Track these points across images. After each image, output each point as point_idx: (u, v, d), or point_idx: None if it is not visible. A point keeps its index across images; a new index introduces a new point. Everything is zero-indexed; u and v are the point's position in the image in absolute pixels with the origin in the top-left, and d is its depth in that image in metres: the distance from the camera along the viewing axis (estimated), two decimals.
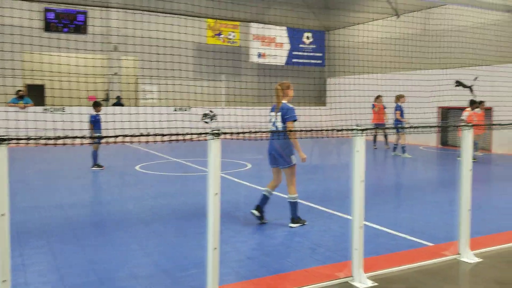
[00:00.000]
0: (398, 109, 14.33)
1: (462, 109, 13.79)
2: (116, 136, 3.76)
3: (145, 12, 15.81)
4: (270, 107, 6.52)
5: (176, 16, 13.71)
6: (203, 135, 3.93)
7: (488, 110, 15.05)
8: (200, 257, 4.40)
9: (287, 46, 22.83)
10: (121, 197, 8.55)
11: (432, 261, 5.00)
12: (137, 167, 11.79)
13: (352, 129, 4.47)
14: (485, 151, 15.55)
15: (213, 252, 3.91)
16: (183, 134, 3.91)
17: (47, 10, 18.89)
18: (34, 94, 18.59)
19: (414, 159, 14.03)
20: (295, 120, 6.23)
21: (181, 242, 5.75)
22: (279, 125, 6.28)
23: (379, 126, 14.81)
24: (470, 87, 16.53)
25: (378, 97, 15.90)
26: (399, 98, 14.32)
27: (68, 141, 3.55)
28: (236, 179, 10.02)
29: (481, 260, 5.06)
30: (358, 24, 21.10)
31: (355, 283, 4.39)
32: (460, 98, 14.98)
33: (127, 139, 3.77)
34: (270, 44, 22.34)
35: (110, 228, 6.38)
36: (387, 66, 14.27)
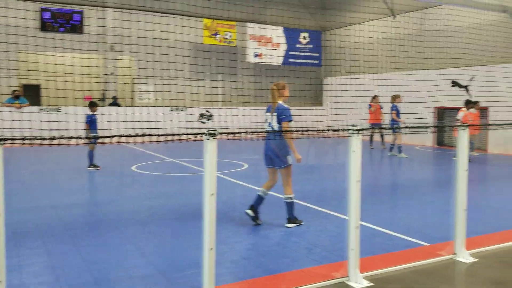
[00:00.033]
0: (394, 109, 14.37)
1: (458, 109, 13.83)
2: (112, 136, 3.75)
3: (141, 12, 15.79)
4: (266, 107, 6.51)
5: (173, 16, 13.69)
6: (199, 135, 3.93)
7: (484, 110, 15.10)
8: (196, 257, 4.39)
9: (283, 46, 22.83)
10: (117, 198, 8.54)
11: (428, 261, 5.01)
12: (133, 167, 11.77)
13: (348, 129, 4.47)
14: (481, 151, 15.59)
15: (209, 252, 3.90)
16: (179, 134, 3.90)
17: (43, 10, 18.82)
18: (30, 94, 18.52)
19: (410, 159, 14.06)
20: (290, 121, 6.23)
21: (177, 243, 5.75)
22: (275, 125, 6.27)
23: (375, 126, 14.84)
24: (466, 87, 16.58)
25: (374, 97, 15.93)
26: (395, 98, 14.35)
27: (64, 141, 3.53)
28: (232, 179, 10.01)
29: (477, 260, 5.08)
30: (355, 24, 21.12)
31: (351, 283, 4.39)
32: (456, 98, 15.02)
33: (123, 139, 3.76)
34: (266, 44, 22.34)
35: (106, 229, 6.36)
36: (384, 66, 14.29)
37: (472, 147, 13.30)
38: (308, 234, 6.05)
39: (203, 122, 20.36)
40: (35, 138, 3.42)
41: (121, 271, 4.76)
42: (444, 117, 17.74)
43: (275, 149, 6.23)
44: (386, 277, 4.59)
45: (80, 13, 19.30)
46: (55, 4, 18.95)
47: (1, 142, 3.23)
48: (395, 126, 14.03)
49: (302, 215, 6.70)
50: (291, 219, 6.38)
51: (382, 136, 16.66)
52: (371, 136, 16.94)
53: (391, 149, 14.81)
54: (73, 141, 3.67)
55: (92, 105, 11.62)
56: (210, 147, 3.90)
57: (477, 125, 12.76)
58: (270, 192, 6.59)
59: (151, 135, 3.85)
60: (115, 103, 19.89)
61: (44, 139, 3.44)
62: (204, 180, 3.92)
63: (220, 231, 5.58)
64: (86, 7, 18.82)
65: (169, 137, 3.87)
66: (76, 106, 14.92)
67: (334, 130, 4.81)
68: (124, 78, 20.44)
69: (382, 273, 4.68)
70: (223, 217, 6.61)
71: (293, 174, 6.43)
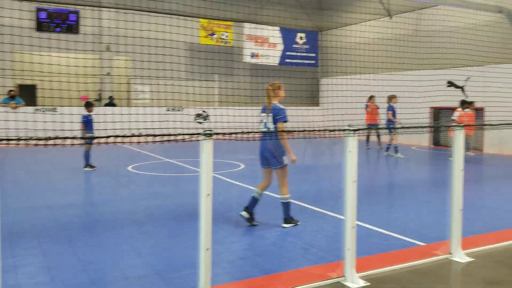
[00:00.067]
0: (390, 109, 14.40)
1: (454, 109, 13.87)
2: (108, 137, 3.74)
3: (138, 11, 15.76)
4: (262, 108, 6.51)
5: (169, 16, 13.68)
6: (195, 136, 3.92)
7: (480, 111, 15.14)
8: (193, 258, 4.39)
9: (280, 47, 22.85)
10: (114, 198, 8.52)
11: (424, 260, 5.03)
12: (129, 168, 11.75)
13: (344, 130, 4.48)
14: (477, 151, 15.64)
15: (205, 252, 3.90)
16: (175, 135, 3.90)
17: (39, 10, 18.77)
18: (26, 95, 18.46)
19: (406, 159, 14.09)
20: (286, 121, 6.22)
21: (173, 243, 5.74)
22: (271, 125, 6.26)
23: (372, 126, 14.88)
24: (462, 88, 16.63)
25: (371, 97, 15.96)
26: (391, 98, 14.38)
27: (59, 141, 3.52)
28: (229, 180, 10.01)
29: (472, 259, 5.09)
30: (351, 24, 21.16)
31: (347, 283, 4.40)
32: (452, 99, 15.07)
33: (119, 139, 3.75)
34: (263, 44, 22.35)
35: (102, 229, 6.34)
36: (380, 66, 14.32)
37: (467, 147, 13.33)
38: (304, 234, 6.05)
39: (199, 123, 20.34)
40: (30, 139, 3.41)
41: (117, 271, 4.75)
42: (440, 117, 17.79)
43: (272, 149, 6.23)
44: (382, 277, 4.60)
45: (76, 13, 19.25)
46: (51, 4, 18.90)
47: None
48: (391, 126, 14.06)
49: (298, 215, 6.70)
50: (288, 219, 6.38)
51: (378, 136, 16.69)
52: (368, 136, 16.97)
53: (387, 149, 14.83)
54: (68, 141, 3.66)
55: (88, 105, 11.59)
56: (206, 148, 3.89)
57: (473, 125, 12.80)
58: (266, 192, 6.59)
59: (147, 135, 3.85)
60: (111, 103, 19.86)
61: (39, 139, 3.43)
62: (200, 180, 3.91)
63: (217, 231, 5.58)
64: (82, 7, 18.77)
65: (165, 137, 3.87)
66: (71, 106, 14.90)
67: (331, 130, 4.82)
68: (120, 78, 20.41)
69: (378, 273, 4.69)
70: (220, 217, 6.60)
71: (290, 174, 6.43)
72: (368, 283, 4.39)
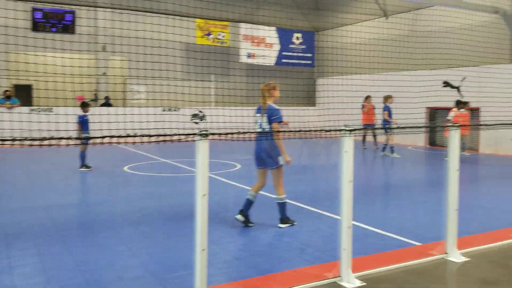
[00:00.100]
0: (386, 109, 14.43)
1: (450, 109, 13.91)
2: (104, 137, 3.73)
3: (133, 12, 15.73)
4: (256, 108, 6.49)
5: (165, 16, 13.66)
6: (191, 136, 3.92)
7: (475, 111, 15.19)
8: (188, 258, 4.38)
9: (276, 47, 22.85)
10: (109, 198, 8.49)
11: (420, 260, 5.04)
12: (125, 168, 11.73)
13: (341, 130, 4.48)
14: (472, 151, 15.69)
15: (201, 253, 3.89)
16: (171, 135, 3.89)
17: (34, 10, 18.71)
18: (21, 95, 18.40)
19: (402, 159, 14.12)
20: (281, 122, 6.21)
21: (169, 244, 5.73)
22: (266, 126, 6.26)
23: (368, 126, 14.90)
24: (457, 88, 16.68)
25: (367, 97, 15.99)
26: (387, 98, 14.41)
27: (54, 142, 3.51)
28: (225, 180, 10.00)
29: (468, 259, 5.10)
30: (348, 25, 21.20)
31: (343, 283, 4.40)
32: (448, 99, 15.12)
33: (115, 139, 3.74)
34: (259, 45, 22.34)
35: (98, 230, 6.33)
36: (376, 67, 14.36)
37: (463, 147, 13.38)
38: (300, 234, 6.05)
39: (196, 123, 20.32)
40: (25, 139, 3.39)
41: (113, 272, 4.74)
42: (436, 117, 17.84)
43: (268, 150, 6.22)
44: (378, 277, 4.60)
45: (72, 13, 19.20)
46: (46, 4, 18.84)
47: None
48: (387, 126, 14.08)
49: (294, 215, 6.70)
50: (284, 219, 6.37)
51: (375, 136, 16.72)
52: (364, 136, 17.00)
53: (383, 149, 14.86)
54: (63, 141, 3.64)
55: (84, 105, 11.56)
56: (202, 148, 3.89)
57: (468, 125, 12.83)
58: (262, 192, 6.59)
59: (143, 135, 3.84)
60: (107, 103, 19.81)
61: (34, 139, 3.42)
62: (196, 180, 3.91)
63: (212, 232, 5.58)
64: (78, 7, 18.72)
65: (161, 138, 3.86)
66: (67, 106, 14.86)
67: (327, 131, 4.81)
68: (116, 78, 20.37)
69: (374, 273, 4.69)
70: (215, 217, 6.60)
71: (286, 174, 6.43)
72: (364, 283, 4.40)
